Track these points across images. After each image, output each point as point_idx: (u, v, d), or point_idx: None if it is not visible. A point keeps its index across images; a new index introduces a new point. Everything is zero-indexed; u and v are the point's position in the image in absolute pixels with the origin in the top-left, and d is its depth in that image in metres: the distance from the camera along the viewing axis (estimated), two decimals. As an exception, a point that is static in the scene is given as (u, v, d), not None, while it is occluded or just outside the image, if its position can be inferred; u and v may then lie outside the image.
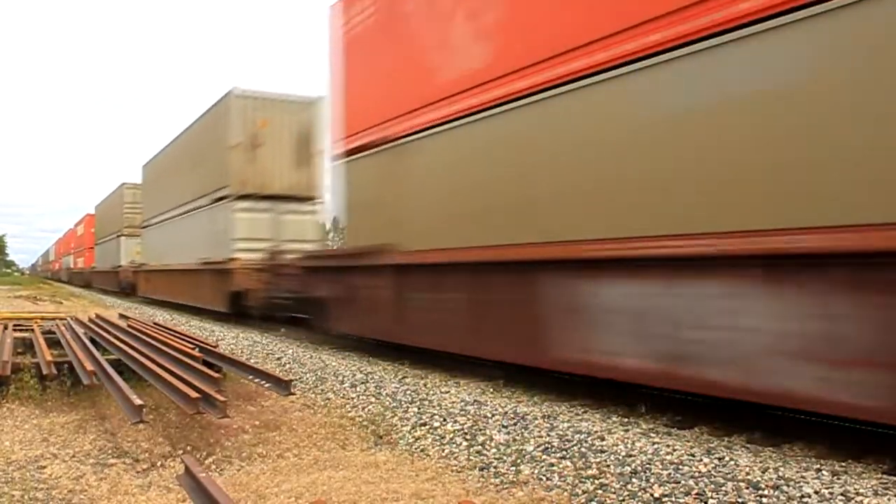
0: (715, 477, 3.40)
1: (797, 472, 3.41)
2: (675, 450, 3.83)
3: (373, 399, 5.88)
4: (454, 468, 4.10)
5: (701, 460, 3.64)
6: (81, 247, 42.89)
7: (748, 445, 4.22)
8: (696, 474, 3.46)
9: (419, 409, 5.32)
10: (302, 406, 5.90)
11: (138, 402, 4.64)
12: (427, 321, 7.08)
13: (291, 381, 5.80)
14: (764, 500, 3.13)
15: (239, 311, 12.85)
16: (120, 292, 27.37)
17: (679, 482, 3.42)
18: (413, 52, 7.33)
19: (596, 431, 4.27)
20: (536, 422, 4.59)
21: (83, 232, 42.07)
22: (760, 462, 3.62)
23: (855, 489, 3.11)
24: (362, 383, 6.46)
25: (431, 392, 5.78)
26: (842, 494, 3.06)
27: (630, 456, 3.81)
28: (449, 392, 5.77)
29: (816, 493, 3.10)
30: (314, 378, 7.04)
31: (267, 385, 5.82)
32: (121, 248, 27.39)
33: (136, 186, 25.48)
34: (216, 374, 5.81)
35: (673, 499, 3.29)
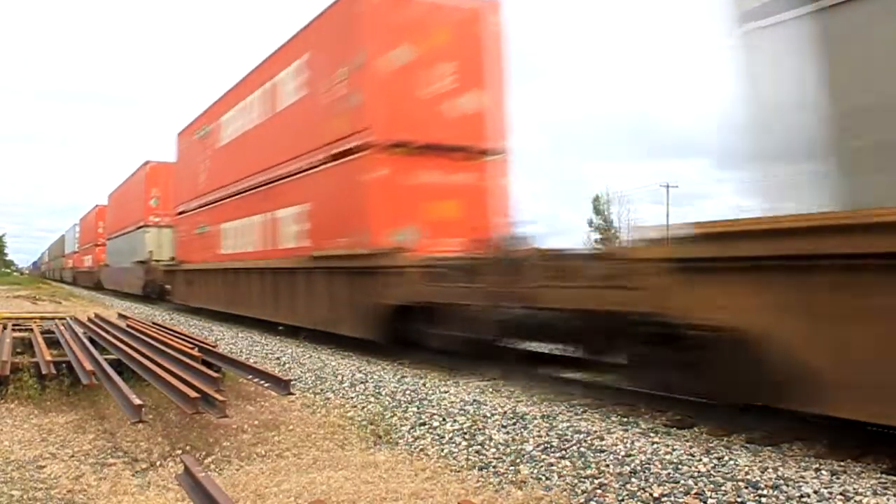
0: (714, 477, 3.40)
1: (796, 471, 3.41)
2: (674, 449, 3.83)
3: (372, 399, 5.88)
4: (453, 468, 4.10)
5: (700, 460, 3.64)
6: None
7: (747, 445, 4.23)
8: (696, 474, 3.46)
9: (418, 408, 5.32)
10: (301, 406, 5.90)
11: (137, 401, 4.63)
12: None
13: (291, 380, 5.79)
14: (763, 499, 3.12)
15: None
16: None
17: (678, 482, 3.42)
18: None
19: (595, 431, 4.27)
20: (535, 421, 4.59)
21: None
22: (760, 462, 3.62)
23: (854, 489, 3.11)
24: (361, 383, 6.47)
25: (431, 392, 5.78)
26: (841, 494, 3.06)
27: (629, 455, 3.81)
28: (448, 392, 5.77)
29: (816, 492, 3.10)
30: (313, 378, 7.04)
31: (266, 385, 5.81)
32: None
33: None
34: (215, 374, 5.80)
35: (672, 498, 3.28)
